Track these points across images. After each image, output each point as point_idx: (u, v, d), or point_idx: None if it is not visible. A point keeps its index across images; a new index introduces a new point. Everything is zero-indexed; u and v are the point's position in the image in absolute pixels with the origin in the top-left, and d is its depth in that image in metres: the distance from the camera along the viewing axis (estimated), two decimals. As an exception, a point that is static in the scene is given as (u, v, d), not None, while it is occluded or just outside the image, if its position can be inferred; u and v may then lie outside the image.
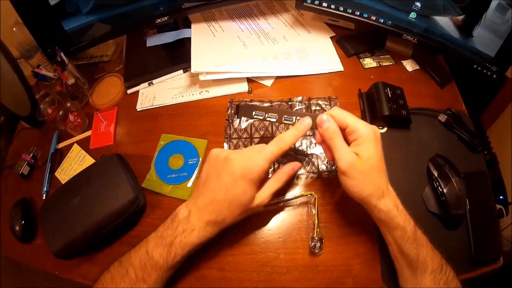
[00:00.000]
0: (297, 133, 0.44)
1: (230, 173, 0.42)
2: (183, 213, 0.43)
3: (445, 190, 0.49)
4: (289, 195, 0.52)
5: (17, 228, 0.54)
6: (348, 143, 0.42)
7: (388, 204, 0.40)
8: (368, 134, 0.41)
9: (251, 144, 0.59)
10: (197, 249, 0.43)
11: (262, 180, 0.44)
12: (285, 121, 0.47)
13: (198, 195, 0.43)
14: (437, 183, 0.51)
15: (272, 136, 0.60)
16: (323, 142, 0.44)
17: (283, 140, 0.43)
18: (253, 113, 0.48)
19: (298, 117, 0.46)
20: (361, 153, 0.40)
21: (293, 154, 0.57)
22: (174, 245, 0.41)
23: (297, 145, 0.58)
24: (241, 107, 0.48)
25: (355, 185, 0.41)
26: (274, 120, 0.47)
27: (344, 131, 0.42)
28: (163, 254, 0.41)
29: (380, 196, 0.40)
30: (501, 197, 0.72)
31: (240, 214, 0.43)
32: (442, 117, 0.59)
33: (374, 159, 0.40)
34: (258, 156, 0.42)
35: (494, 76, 0.58)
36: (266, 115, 0.47)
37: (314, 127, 0.44)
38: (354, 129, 0.41)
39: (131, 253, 0.42)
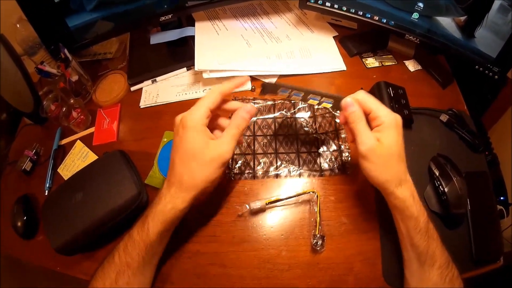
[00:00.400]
0: (231, 86, 0.46)
1: (176, 132, 0.43)
2: (161, 190, 0.44)
3: (446, 189, 0.49)
4: (291, 192, 0.52)
5: (19, 224, 0.54)
6: (371, 128, 0.43)
7: (404, 193, 0.41)
8: (391, 121, 0.41)
9: (254, 142, 0.60)
10: (172, 220, 0.42)
11: (212, 129, 0.45)
12: (310, 100, 0.47)
13: None
14: (438, 182, 0.51)
15: (275, 134, 0.60)
16: (346, 124, 0.45)
17: (219, 88, 0.45)
18: (279, 90, 0.47)
19: (323, 97, 0.47)
20: (383, 139, 0.41)
21: (295, 152, 0.58)
22: (147, 218, 0.42)
23: (300, 144, 0.59)
24: (265, 85, 0.48)
25: (374, 169, 0.41)
26: (300, 97, 0.48)
27: (367, 116, 0.43)
28: (139, 230, 0.42)
29: (398, 183, 0.41)
30: (501, 198, 0.73)
31: (200, 169, 0.41)
32: (444, 117, 0.59)
33: (395, 146, 0.41)
34: (197, 106, 0.43)
35: (496, 77, 0.58)
36: (292, 93, 0.47)
37: (339, 109, 0.45)
38: (377, 115, 0.42)
39: (121, 240, 0.43)
